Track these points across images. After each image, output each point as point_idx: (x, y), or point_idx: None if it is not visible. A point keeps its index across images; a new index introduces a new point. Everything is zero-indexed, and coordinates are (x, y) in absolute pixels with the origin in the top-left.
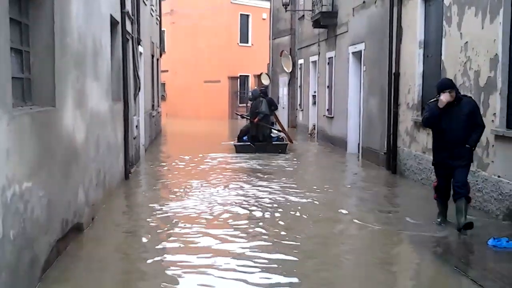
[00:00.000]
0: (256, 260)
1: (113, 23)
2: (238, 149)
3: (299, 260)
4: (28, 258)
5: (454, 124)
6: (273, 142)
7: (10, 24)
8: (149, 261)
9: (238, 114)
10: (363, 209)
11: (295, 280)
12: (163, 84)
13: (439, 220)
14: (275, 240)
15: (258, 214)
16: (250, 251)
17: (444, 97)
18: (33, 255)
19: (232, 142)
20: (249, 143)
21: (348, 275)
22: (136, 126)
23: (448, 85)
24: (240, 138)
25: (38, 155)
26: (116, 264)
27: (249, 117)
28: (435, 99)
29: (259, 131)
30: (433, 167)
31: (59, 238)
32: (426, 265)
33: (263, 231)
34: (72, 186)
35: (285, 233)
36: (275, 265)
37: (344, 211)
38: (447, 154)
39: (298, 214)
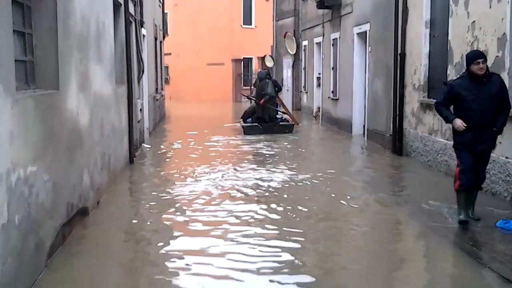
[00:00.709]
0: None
1: (116, 4)
2: (246, 130)
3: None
4: (34, 243)
5: (482, 103)
6: (280, 123)
7: (12, 6)
8: (155, 245)
9: (245, 96)
10: (369, 192)
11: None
12: (167, 67)
13: (461, 217)
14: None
15: (265, 196)
16: (256, 236)
17: (459, 124)
18: (39, 240)
19: (239, 124)
20: (256, 124)
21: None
22: (140, 110)
23: (482, 54)
24: (244, 120)
25: (43, 138)
26: (121, 248)
27: (255, 99)
28: (458, 76)
29: (265, 112)
30: (439, 149)
31: (64, 222)
32: (432, 246)
33: (270, 215)
34: (77, 170)
35: (293, 215)
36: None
37: (349, 195)
38: (472, 136)
39: (306, 197)
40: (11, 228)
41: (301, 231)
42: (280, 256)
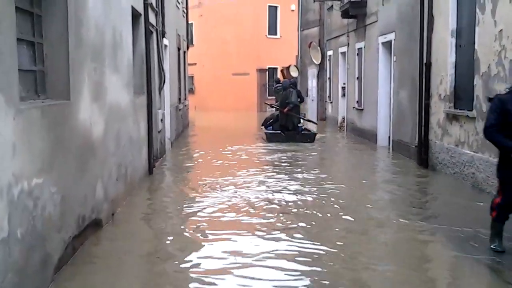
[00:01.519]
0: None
1: (135, 15)
2: (269, 137)
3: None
4: (39, 257)
5: None
6: (302, 132)
7: (21, 15)
8: (172, 262)
9: (268, 104)
10: (393, 205)
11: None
12: (192, 77)
13: (495, 245)
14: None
15: (291, 207)
16: (277, 252)
17: None
18: (45, 254)
19: (261, 132)
20: (279, 131)
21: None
22: (161, 120)
23: None
24: (265, 126)
25: (50, 150)
26: (135, 262)
27: (278, 107)
28: (506, 91)
29: (289, 120)
30: (466, 162)
31: (74, 235)
32: (458, 262)
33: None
34: (89, 181)
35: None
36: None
37: (373, 206)
38: None
39: (333, 208)
40: (13, 242)
41: (325, 248)
42: (302, 279)
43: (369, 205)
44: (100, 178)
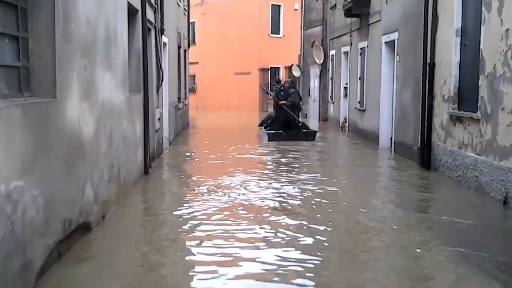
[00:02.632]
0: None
1: (132, 10)
2: (271, 137)
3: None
4: (19, 264)
5: None
6: (303, 131)
7: (3, 8)
8: (167, 265)
9: (264, 88)
10: (395, 208)
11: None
12: (193, 76)
13: None
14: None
15: (288, 209)
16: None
17: None
18: (26, 260)
19: (260, 131)
20: (281, 131)
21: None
22: (159, 119)
23: None
24: (264, 127)
25: (33, 150)
26: (126, 267)
27: (272, 95)
28: None
29: (289, 119)
30: (469, 165)
31: (60, 239)
32: (463, 273)
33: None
34: (77, 183)
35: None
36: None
37: (371, 210)
38: None
39: (330, 210)
40: None
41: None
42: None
43: (363, 210)
44: (89, 180)
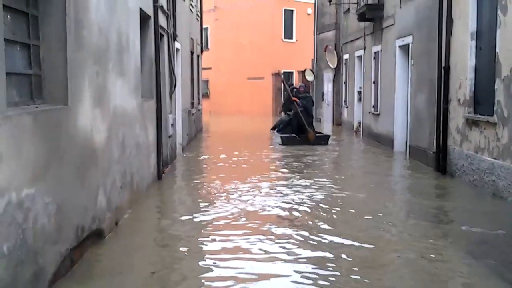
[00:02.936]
0: None
1: (144, 17)
2: (284, 141)
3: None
4: (31, 272)
5: None
6: (316, 135)
7: (14, 16)
8: (180, 273)
9: (283, 82)
10: (409, 216)
11: None
12: (207, 82)
13: None
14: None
15: (298, 217)
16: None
17: None
18: (37, 268)
19: (280, 134)
20: (294, 135)
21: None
22: (172, 125)
23: None
24: (277, 130)
25: (44, 158)
26: (139, 273)
27: (289, 87)
28: None
29: (300, 123)
30: (486, 169)
31: (73, 246)
32: (475, 275)
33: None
34: (89, 190)
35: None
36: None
37: (386, 215)
38: None
39: (348, 213)
40: None
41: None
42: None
43: (380, 214)
44: (102, 186)
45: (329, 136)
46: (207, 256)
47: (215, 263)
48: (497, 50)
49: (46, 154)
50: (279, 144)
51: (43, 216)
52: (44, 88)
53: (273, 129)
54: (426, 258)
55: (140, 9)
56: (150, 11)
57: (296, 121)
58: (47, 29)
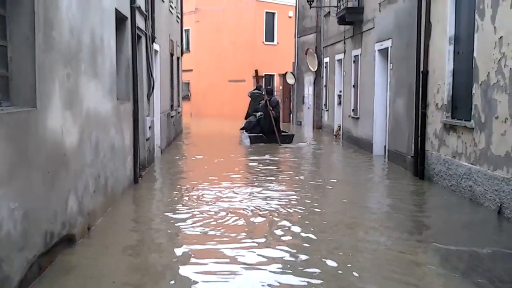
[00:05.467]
0: None
1: (120, 18)
2: (253, 140)
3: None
4: None
5: None
6: (282, 134)
7: None
8: (151, 279)
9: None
10: (385, 218)
11: None
12: (187, 84)
13: None
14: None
15: (279, 221)
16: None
17: None
18: (2, 276)
19: (248, 134)
20: (261, 134)
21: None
22: (150, 127)
23: None
24: (246, 130)
25: (10, 162)
26: (110, 280)
27: (267, 105)
28: None
29: (270, 125)
30: (463, 174)
31: (41, 253)
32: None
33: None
34: (59, 194)
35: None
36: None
37: (363, 219)
38: None
39: (318, 221)
40: None
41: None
42: None
43: (358, 220)
44: (73, 191)
45: (293, 135)
46: (179, 264)
47: (189, 270)
48: (474, 54)
49: (12, 158)
50: (249, 143)
51: (9, 222)
52: (11, 90)
53: (243, 128)
54: (395, 255)
55: (116, 9)
56: (126, 12)
57: (268, 121)
58: (15, 28)
